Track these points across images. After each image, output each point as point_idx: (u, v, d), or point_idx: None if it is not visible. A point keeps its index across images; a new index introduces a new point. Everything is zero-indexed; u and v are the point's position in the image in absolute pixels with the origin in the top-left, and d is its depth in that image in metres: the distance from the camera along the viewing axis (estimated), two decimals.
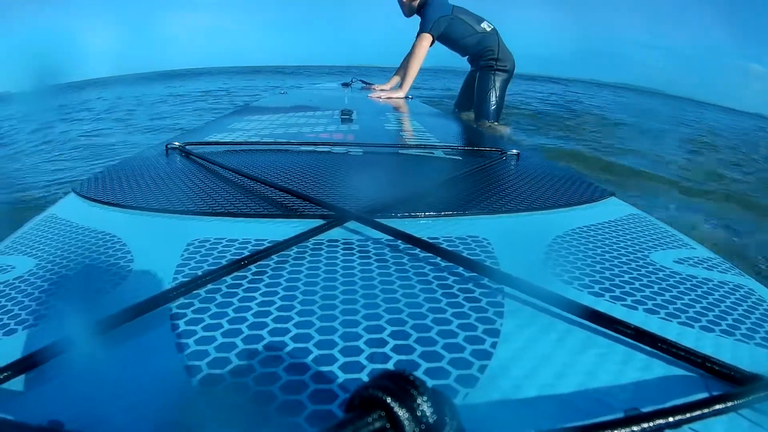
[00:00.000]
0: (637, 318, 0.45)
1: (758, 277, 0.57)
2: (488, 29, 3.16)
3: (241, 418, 0.32)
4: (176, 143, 1.14)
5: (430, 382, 0.35)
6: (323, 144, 1.25)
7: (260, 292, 0.47)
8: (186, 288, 0.46)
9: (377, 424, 0.20)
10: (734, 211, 2.37)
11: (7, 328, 0.43)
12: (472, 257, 0.55)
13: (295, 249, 0.57)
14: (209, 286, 0.48)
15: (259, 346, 0.39)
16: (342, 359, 0.37)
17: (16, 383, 0.34)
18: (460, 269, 0.52)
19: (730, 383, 0.35)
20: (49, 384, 0.35)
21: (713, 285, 0.53)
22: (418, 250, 0.57)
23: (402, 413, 0.20)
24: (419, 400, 0.21)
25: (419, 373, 0.36)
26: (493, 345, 0.40)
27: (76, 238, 0.63)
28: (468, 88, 3.53)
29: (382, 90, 3.12)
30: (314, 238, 0.60)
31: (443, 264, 0.54)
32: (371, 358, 0.38)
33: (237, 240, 0.60)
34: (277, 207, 0.72)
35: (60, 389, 0.34)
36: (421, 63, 3.00)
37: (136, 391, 0.34)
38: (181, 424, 0.32)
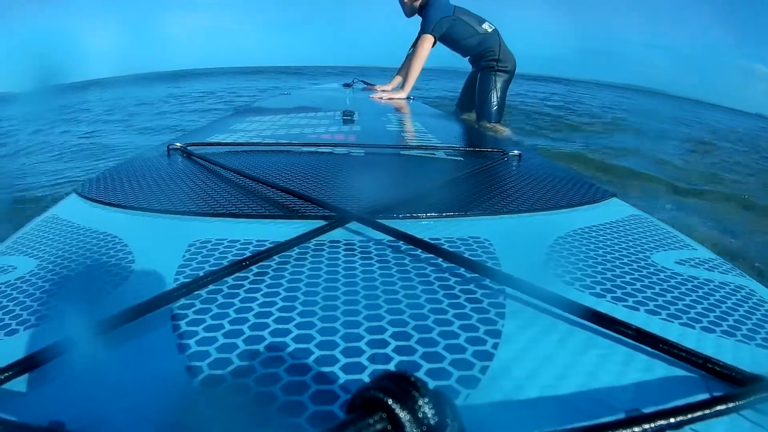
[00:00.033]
0: (639, 319, 0.45)
1: (759, 278, 0.57)
2: (489, 30, 3.16)
3: (242, 418, 0.32)
4: (178, 144, 1.14)
5: (431, 383, 0.35)
6: (325, 145, 1.25)
7: (262, 292, 0.47)
8: (187, 289, 0.46)
9: (378, 426, 0.20)
10: (735, 211, 2.36)
11: (8, 329, 0.43)
12: (473, 258, 0.55)
13: (296, 250, 0.57)
14: (211, 287, 0.48)
15: (261, 347, 0.39)
16: (343, 360, 0.37)
17: (18, 383, 0.35)
18: (462, 270, 0.52)
19: (731, 384, 0.35)
20: (51, 384, 0.35)
21: (714, 286, 0.53)
22: (420, 250, 0.57)
23: (403, 414, 0.20)
24: (420, 402, 0.21)
25: (421, 374, 0.36)
26: (495, 346, 0.40)
27: (78, 239, 0.63)
28: (469, 89, 3.53)
29: (383, 91, 3.12)
30: (316, 238, 0.60)
31: (445, 265, 0.54)
32: (373, 359, 0.38)
33: (238, 241, 0.60)
34: (278, 208, 0.72)
35: (61, 390, 0.34)
36: (422, 64, 3.00)
37: (138, 392, 0.34)
38: (182, 425, 0.32)
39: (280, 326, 0.42)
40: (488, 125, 3.18)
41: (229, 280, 0.50)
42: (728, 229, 2.07)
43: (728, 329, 0.44)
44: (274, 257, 0.55)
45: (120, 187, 0.86)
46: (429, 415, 0.21)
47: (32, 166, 3.01)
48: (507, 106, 3.34)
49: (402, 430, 0.20)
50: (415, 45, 3.09)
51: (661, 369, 0.37)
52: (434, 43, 3.01)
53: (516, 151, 1.16)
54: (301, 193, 0.74)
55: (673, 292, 0.51)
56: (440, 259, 0.54)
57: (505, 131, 3.19)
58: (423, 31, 2.99)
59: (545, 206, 0.78)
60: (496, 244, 0.61)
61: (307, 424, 0.31)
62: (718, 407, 0.30)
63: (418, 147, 1.30)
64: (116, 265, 0.54)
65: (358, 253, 0.57)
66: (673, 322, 0.45)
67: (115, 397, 0.34)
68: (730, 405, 0.31)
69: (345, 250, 0.58)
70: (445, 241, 0.61)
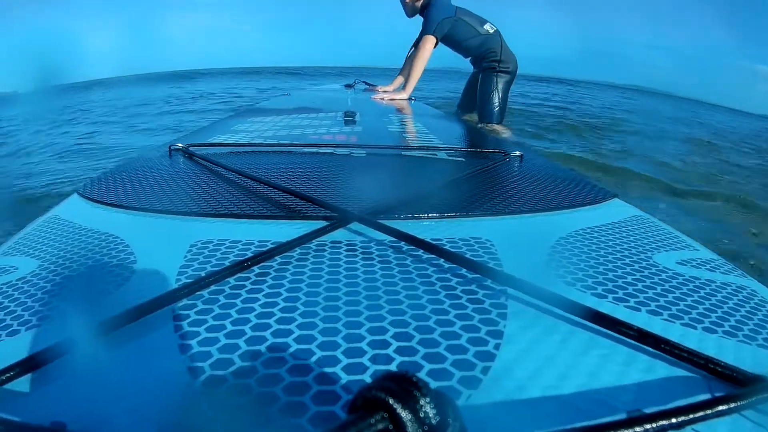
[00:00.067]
0: (640, 319, 0.45)
1: (761, 279, 0.57)
2: (491, 31, 3.16)
3: (244, 419, 0.32)
4: (179, 144, 1.14)
5: (433, 384, 0.35)
6: (326, 145, 1.25)
7: (263, 293, 0.47)
8: (189, 289, 0.46)
9: (380, 426, 0.20)
10: (733, 213, 2.36)
11: (10, 329, 0.43)
12: (475, 258, 0.55)
13: (298, 250, 0.57)
14: (212, 288, 0.48)
15: (262, 348, 0.39)
16: (345, 360, 0.37)
17: (19, 384, 0.35)
18: (464, 270, 0.52)
19: (732, 384, 0.35)
20: (52, 385, 0.35)
21: (716, 286, 0.53)
22: (421, 251, 0.57)
23: (405, 415, 0.20)
24: (422, 402, 0.21)
25: (422, 375, 0.36)
26: (496, 346, 0.40)
27: (79, 239, 0.63)
28: (470, 90, 3.54)
29: (385, 91, 3.12)
30: (317, 239, 0.60)
31: (446, 265, 0.54)
32: (374, 360, 0.38)
33: (240, 241, 0.60)
34: (280, 208, 0.72)
35: (63, 390, 0.34)
36: (424, 65, 3.00)
37: (139, 392, 0.34)
38: (184, 425, 0.32)
39: (281, 327, 0.42)
40: (490, 126, 3.18)
41: (231, 280, 0.50)
42: (725, 230, 2.07)
43: (730, 329, 0.44)
44: (276, 258, 0.55)
45: (122, 187, 0.86)
46: (430, 415, 0.21)
47: (33, 166, 3.02)
48: (508, 107, 3.34)
49: (404, 430, 0.20)
50: (416, 45, 3.09)
51: (662, 369, 0.37)
52: (436, 44, 3.02)
53: (517, 152, 1.16)
54: (303, 194, 0.74)
55: (674, 293, 0.51)
56: (442, 260, 0.55)
57: (506, 132, 3.19)
58: (425, 32, 2.99)
59: (547, 207, 0.78)
60: (497, 244, 0.61)
61: (309, 424, 0.31)
62: (720, 407, 0.30)
63: (419, 148, 1.30)
64: (118, 266, 0.54)
65: (360, 253, 0.57)
66: (674, 322, 0.45)
67: (116, 397, 0.34)
68: (732, 405, 0.31)
69: (346, 250, 0.58)
70: (446, 242, 0.61)
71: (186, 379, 0.35)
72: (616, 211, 0.79)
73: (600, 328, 0.42)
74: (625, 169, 2.99)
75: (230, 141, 1.33)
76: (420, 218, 0.69)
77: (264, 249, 0.55)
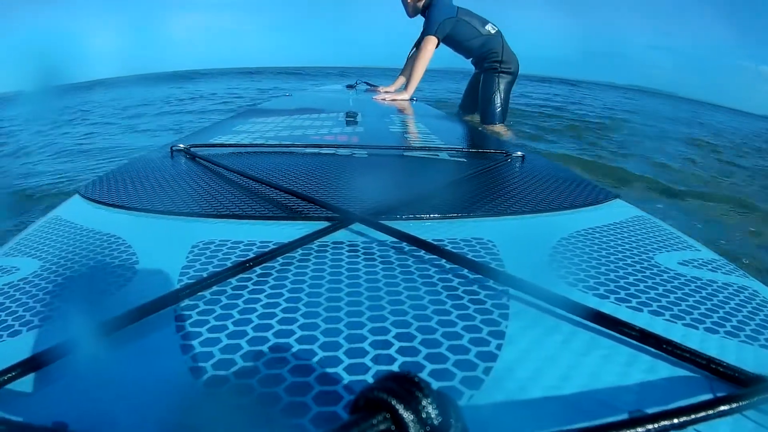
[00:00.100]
0: (642, 320, 0.45)
1: (762, 279, 0.57)
2: (493, 31, 3.16)
3: (245, 419, 0.32)
4: (181, 145, 1.14)
5: (435, 384, 0.35)
6: (328, 146, 1.26)
7: (265, 294, 0.47)
8: (191, 290, 0.46)
9: (382, 426, 0.20)
10: (731, 214, 2.36)
11: (11, 330, 0.43)
12: (476, 259, 0.55)
13: (300, 251, 0.57)
14: (214, 288, 0.48)
15: (264, 348, 0.39)
16: (347, 361, 0.37)
17: (21, 384, 0.35)
18: (465, 271, 0.52)
19: (734, 385, 0.35)
20: (54, 385, 0.35)
21: (718, 286, 0.53)
22: (423, 252, 0.57)
23: (407, 415, 0.20)
24: (424, 402, 0.21)
25: (424, 375, 0.36)
26: (498, 347, 0.40)
27: (81, 240, 0.63)
28: (472, 91, 3.53)
29: (386, 92, 3.12)
30: (319, 240, 0.60)
31: (448, 266, 0.54)
32: (376, 360, 0.38)
33: (242, 242, 0.60)
34: (281, 209, 0.72)
35: (65, 390, 0.35)
36: (426, 65, 3.00)
37: (141, 393, 0.34)
38: (186, 426, 0.32)
39: (283, 327, 0.42)
40: (492, 127, 3.17)
41: (233, 281, 0.50)
42: (722, 230, 2.07)
43: (732, 330, 0.44)
44: (278, 258, 0.55)
45: (123, 188, 0.86)
46: (432, 416, 0.21)
47: (34, 166, 3.02)
48: (509, 107, 3.34)
49: (406, 430, 0.20)
50: (417, 46, 3.09)
51: (664, 370, 0.37)
52: (437, 44, 3.02)
53: (519, 153, 1.16)
54: (305, 195, 0.74)
55: (676, 293, 0.51)
56: (443, 260, 0.55)
57: (508, 133, 3.19)
58: (426, 32, 2.99)
59: (548, 207, 0.78)
60: (499, 245, 0.61)
61: (311, 424, 0.31)
62: (722, 408, 0.30)
63: (421, 148, 1.30)
64: (120, 267, 0.54)
65: (362, 254, 0.57)
66: (676, 322, 0.45)
67: (118, 397, 0.34)
68: (734, 405, 0.31)
69: (348, 251, 0.58)
70: (448, 242, 0.61)
71: (188, 379, 0.35)
72: (617, 211, 0.79)
73: (602, 328, 0.42)
74: (624, 169, 2.99)
75: (232, 142, 1.33)
76: (422, 219, 0.69)
77: (266, 249, 0.55)
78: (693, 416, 0.29)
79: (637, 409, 0.32)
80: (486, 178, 0.97)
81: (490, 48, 3.15)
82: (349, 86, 4.04)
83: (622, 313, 0.45)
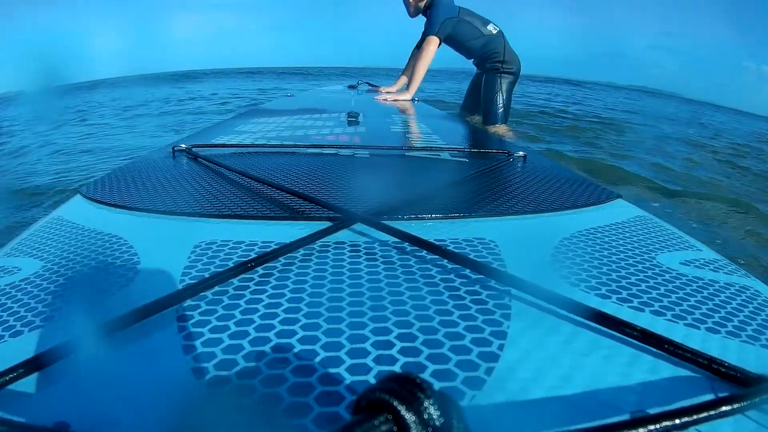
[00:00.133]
0: (644, 320, 0.45)
1: (764, 279, 0.57)
2: (494, 32, 3.15)
3: (248, 419, 0.32)
4: (183, 145, 1.14)
5: (436, 384, 0.35)
6: (330, 146, 1.26)
7: (267, 294, 0.47)
8: (193, 290, 0.46)
9: (384, 427, 0.20)
10: (729, 214, 2.36)
11: (13, 330, 0.43)
12: (478, 259, 0.55)
13: (301, 251, 0.57)
14: (216, 288, 0.48)
15: (266, 348, 0.39)
16: (349, 361, 0.37)
17: (23, 384, 0.35)
18: (467, 271, 0.52)
19: (736, 385, 0.35)
20: (56, 385, 0.35)
21: (719, 287, 0.53)
22: (425, 252, 0.57)
23: (409, 416, 0.20)
24: (426, 403, 0.21)
25: (426, 376, 0.36)
26: (500, 347, 0.40)
27: (83, 240, 0.63)
28: (474, 91, 3.53)
29: (388, 92, 3.12)
30: (321, 240, 0.60)
31: (450, 266, 0.54)
32: (378, 360, 0.38)
33: (244, 242, 0.60)
34: (283, 209, 0.72)
35: (67, 391, 0.35)
36: (427, 66, 2.99)
37: (143, 393, 0.34)
38: (188, 426, 0.32)
39: (285, 327, 0.42)
40: (494, 127, 3.17)
41: (235, 281, 0.50)
42: (720, 230, 2.07)
43: (733, 330, 0.44)
44: (280, 258, 0.55)
45: (125, 188, 0.86)
46: (434, 417, 0.21)
47: (35, 166, 3.03)
48: (511, 107, 3.34)
49: (407, 431, 0.20)
50: (419, 46, 3.09)
51: (666, 370, 0.37)
52: (439, 44, 3.01)
53: (521, 153, 1.16)
54: (306, 195, 0.74)
55: (678, 293, 0.51)
56: (445, 261, 0.55)
57: (510, 133, 3.18)
58: (428, 32, 2.99)
59: (550, 207, 0.78)
60: (501, 245, 0.61)
61: (313, 425, 0.31)
62: (723, 408, 0.30)
63: (422, 148, 1.30)
64: (122, 267, 0.55)
65: (363, 254, 0.57)
66: (678, 322, 0.45)
67: (120, 398, 0.34)
68: (735, 406, 0.31)
69: (350, 251, 0.58)
70: (450, 242, 0.61)
71: (190, 379, 0.35)
72: (619, 211, 0.79)
73: (603, 328, 0.42)
74: (623, 170, 2.99)
75: (234, 142, 1.33)
76: (423, 219, 0.69)
77: (268, 250, 0.55)
78: (695, 416, 0.29)
79: (639, 410, 0.32)
80: (488, 178, 0.97)
81: (491, 48, 3.14)
82: (351, 86, 4.04)
83: (624, 313, 0.45)
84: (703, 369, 0.37)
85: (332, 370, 0.36)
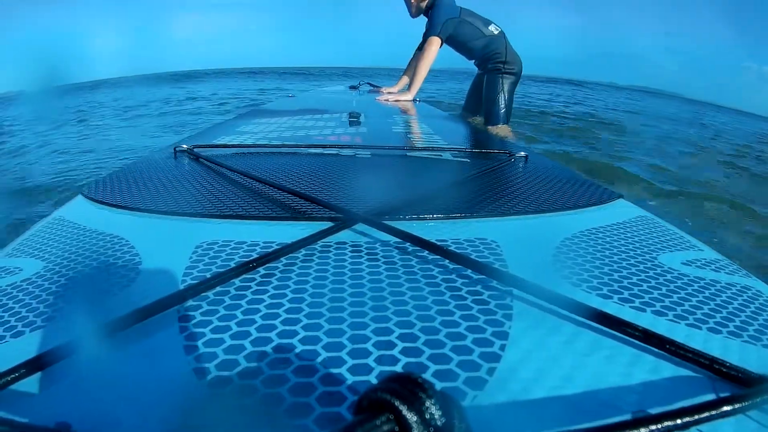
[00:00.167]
0: (645, 320, 0.45)
1: (765, 279, 0.57)
2: (496, 32, 3.15)
3: (249, 419, 0.32)
4: (184, 146, 1.14)
5: (438, 385, 0.35)
6: (331, 147, 1.26)
7: (269, 294, 0.47)
8: (194, 290, 0.46)
9: (386, 427, 0.20)
10: (731, 214, 2.36)
11: (14, 330, 0.43)
12: (480, 259, 0.55)
13: (303, 251, 0.57)
14: (218, 288, 0.48)
15: (268, 348, 0.39)
16: (350, 361, 0.37)
17: (25, 385, 0.35)
18: (469, 271, 0.52)
19: (737, 385, 0.35)
20: (57, 386, 0.35)
21: (721, 287, 0.53)
22: (427, 252, 0.57)
23: (410, 416, 0.20)
24: (428, 403, 0.21)
25: (428, 376, 0.36)
26: (502, 347, 0.40)
27: (84, 241, 0.63)
28: (475, 92, 3.52)
29: (389, 93, 3.12)
30: (322, 240, 0.60)
31: (451, 266, 0.54)
32: (380, 361, 0.38)
33: (245, 242, 0.60)
34: (285, 209, 0.72)
35: (68, 391, 0.35)
36: (429, 66, 2.99)
37: (145, 393, 0.34)
38: (189, 426, 0.32)
39: (287, 328, 0.42)
40: (495, 128, 3.17)
41: (236, 281, 0.50)
42: (718, 231, 2.07)
43: (735, 330, 0.44)
44: (281, 259, 0.55)
45: (126, 188, 0.86)
46: (436, 417, 0.21)
47: (35, 166, 3.03)
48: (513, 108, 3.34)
49: (409, 431, 0.20)
50: (420, 47, 3.09)
51: (667, 370, 0.37)
52: (441, 44, 3.01)
53: (522, 153, 1.16)
54: (308, 195, 0.74)
55: (679, 293, 0.51)
56: (447, 261, 0.55)
57: (512, 133, 3.18)
58: (429, 33, 2.98)
59: (552, 207, 0.78)
60: (502, 245, 0.61)
61: (314, 425, 0.31)
62: (725, 408, 0.30)
63: (424, 148, 1.30)
64: (123, 267, 0.55)
65: (365, 254, 0.57)
66: (679, 323, 0.45)
67: (122, 398, 0.34)
68: (737, 406, 0.31)
69: (351, 251, 0.58)
70: (451, 243, 0.61)
71: (192, 379, 0.35)
72: (621, 211, 0.79)
73: (605, 328, 0.42)
74: (623, 170, 2.98)
75: (235, 142, 1.34)
76: (425, 219, 0.69)
77: (269, 250, 0.55)
78: (696, 416, 0.29)
79: (640, 410, 0.32)
80: (489, 179, 0.97)
81: (493, 49, 3.14)
82: (352, 87, 4.04)
83: (626, 314, 0.45)
84: (705, 369, 0.36)
85: (334, 371, 0.36)
